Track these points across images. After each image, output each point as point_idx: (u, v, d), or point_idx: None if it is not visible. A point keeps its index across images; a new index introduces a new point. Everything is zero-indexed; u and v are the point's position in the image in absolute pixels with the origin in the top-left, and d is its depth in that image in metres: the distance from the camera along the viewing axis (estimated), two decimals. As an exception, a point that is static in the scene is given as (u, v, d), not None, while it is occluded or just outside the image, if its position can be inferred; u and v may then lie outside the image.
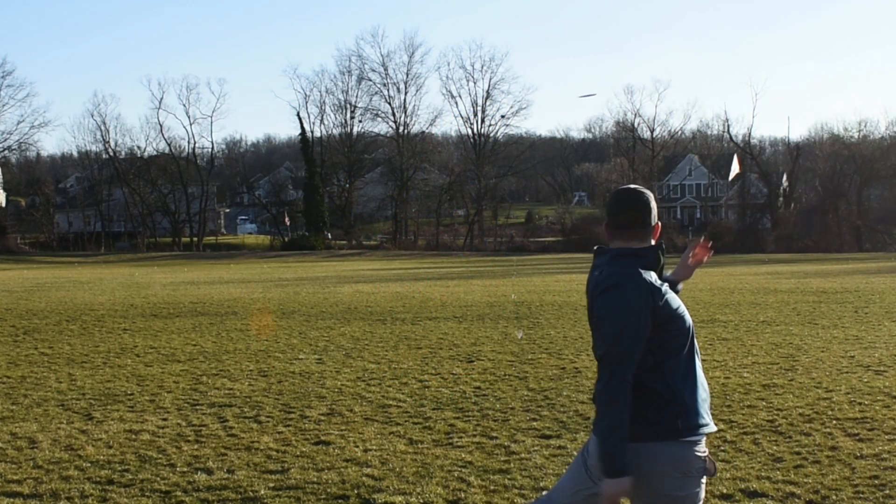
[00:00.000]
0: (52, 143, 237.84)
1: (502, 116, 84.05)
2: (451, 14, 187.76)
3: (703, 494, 3.51)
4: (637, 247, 3.55)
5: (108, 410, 8.64)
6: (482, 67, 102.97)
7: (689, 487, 3.46)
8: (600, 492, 3.39)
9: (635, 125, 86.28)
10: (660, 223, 3.64)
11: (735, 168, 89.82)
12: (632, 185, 3.71)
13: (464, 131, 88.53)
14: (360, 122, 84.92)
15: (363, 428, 7.74)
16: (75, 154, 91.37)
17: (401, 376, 10.39)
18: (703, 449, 3.49)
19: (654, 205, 3.60)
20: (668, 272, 3.92)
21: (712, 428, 3.57)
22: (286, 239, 79.75)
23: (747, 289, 23.91)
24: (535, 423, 7.80)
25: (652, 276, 3.50)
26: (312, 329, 15.50)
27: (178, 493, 5.91)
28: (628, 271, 3.47)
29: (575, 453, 6.73)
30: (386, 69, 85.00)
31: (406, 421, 8.00)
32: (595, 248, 3.69)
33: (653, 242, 3.60)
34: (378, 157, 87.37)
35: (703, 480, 3.51)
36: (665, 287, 3.53)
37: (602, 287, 3.50)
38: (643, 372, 3.46)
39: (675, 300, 3.54)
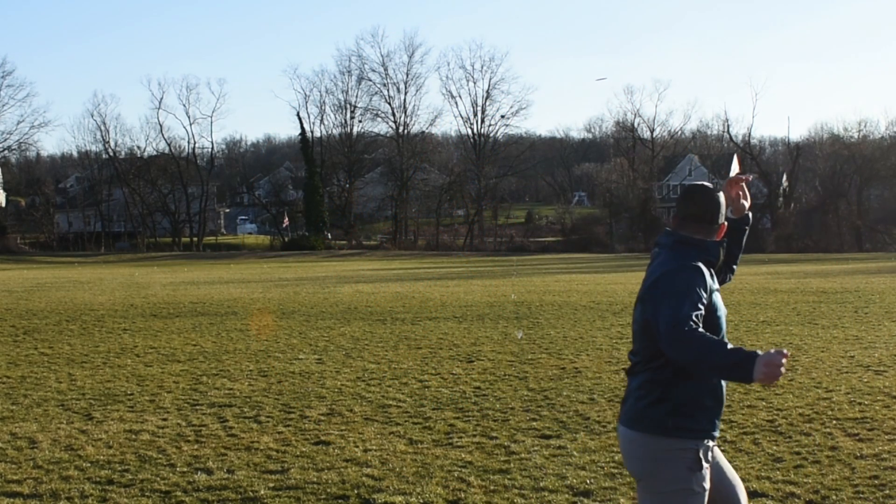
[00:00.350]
0: (52, 143, 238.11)
1: (502, 116, 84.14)
2: (451, 14, 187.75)
3: (698, 489, 3.48)
4: (703, 238, 3.58)
5: (108, 410, 8.65)
6: (482, 67, 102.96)
7: (679, 482, 3.46)
8: (761, 383, 3.21)
9: (635, 125, 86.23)
10: (726, 223, 3.67)
11: (735, 168, 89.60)
12: (705, 182, 3.75)
13: (464, 131, 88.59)
14: (360, 122, 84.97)
15: (363, 428, 7.74)
16: (75, 154, 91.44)
17: (401, 376, 10.39)
18: (692, 445, 3.46)
19: (723, 203, 3.64)
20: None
21: (711, 435, 3.51)
22: (286, 239, 79.73)
23: (747, 289, 23.90)
24: (535, 423, 7.80)
25: (708, 271, 3.52)
26: (312, 329, 15.50)
27: (178, 493, 5.92)
28: (687, 259, 3.49)
29: (575, 453, 6.73)
30: (386, 69, 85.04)
31: (406, 421, 8.00)
32: (666, 229, 3.70)
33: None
34: (378, 157, 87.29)
35: (702, 475, 3.48)
36: (717, 286, 3.57)
37: (659, 271, 3.50)
38: (659, 365, 3.48)
39: (719, 304, 3.55)
